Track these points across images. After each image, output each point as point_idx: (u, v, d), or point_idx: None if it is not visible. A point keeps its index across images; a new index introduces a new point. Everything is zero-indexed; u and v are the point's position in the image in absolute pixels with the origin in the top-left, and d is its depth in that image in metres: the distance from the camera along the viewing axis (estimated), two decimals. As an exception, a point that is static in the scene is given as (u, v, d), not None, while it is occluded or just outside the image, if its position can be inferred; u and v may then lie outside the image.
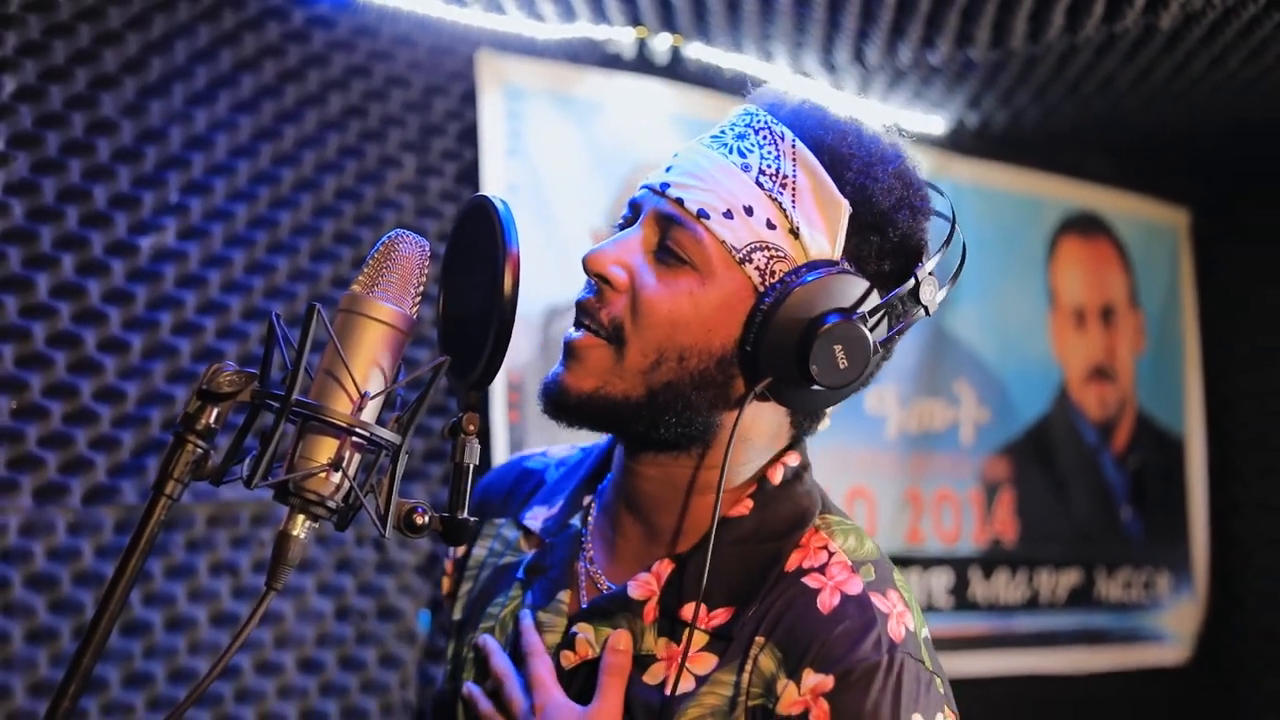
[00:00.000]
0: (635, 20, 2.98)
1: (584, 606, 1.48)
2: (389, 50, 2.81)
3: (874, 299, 1.39)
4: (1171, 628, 4.10)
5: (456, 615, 1.62)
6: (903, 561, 3.53)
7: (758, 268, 1.38)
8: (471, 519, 1.27)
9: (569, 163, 3.02)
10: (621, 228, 1.46)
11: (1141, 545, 4.08)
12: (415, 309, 1.24)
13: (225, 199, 2.61)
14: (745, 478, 1.47)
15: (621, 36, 3.03)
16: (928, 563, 3.63)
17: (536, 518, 1.58)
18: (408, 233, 1.27)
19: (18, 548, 2.35)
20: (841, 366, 1.37)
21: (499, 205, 1.26)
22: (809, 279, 1.37)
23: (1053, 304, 3.92)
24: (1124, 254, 4.08)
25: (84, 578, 2.39)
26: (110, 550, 2.40)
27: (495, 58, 2.93)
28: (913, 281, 1.38)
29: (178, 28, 2.55)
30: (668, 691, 1.39)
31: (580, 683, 1.44)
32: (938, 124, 3.61)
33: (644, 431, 1.42)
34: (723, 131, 1.42)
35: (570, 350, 1.42)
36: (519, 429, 2.85)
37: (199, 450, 1.19)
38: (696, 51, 3.11)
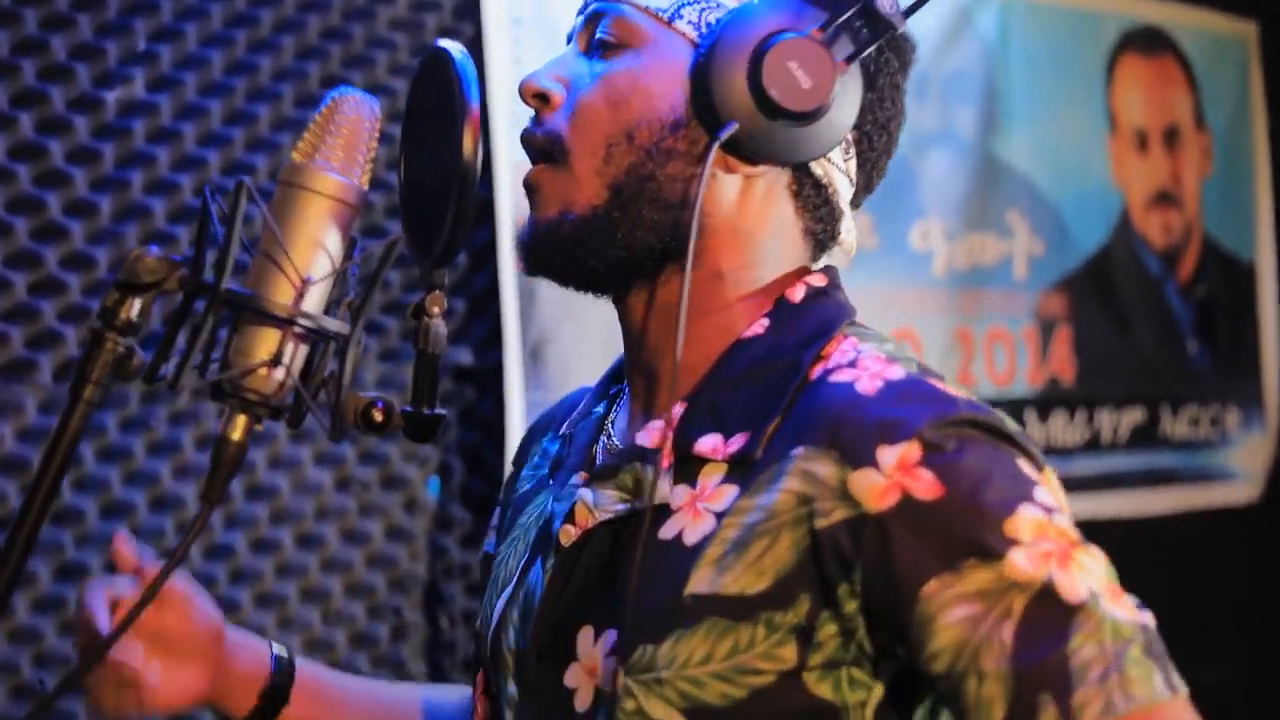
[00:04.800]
0: None
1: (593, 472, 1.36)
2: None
3: (822, 17, 1.30)
4: (1241, 465, 4.00)
5: (490, 547, 1.54)
6: None
7: (690, 22, 1.33)
8: (441, 412, 1.18)
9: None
10: None
11: (1209, 379, 3.97)
12: (365, 179, 1.16)
13: (198, 44, 2.44)
14: (755, 287, 1.34)
15: None
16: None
17: (574, 423, 1.48)
18: (353, 91, 1.18)
19: (-16, 430, 2.22)
20: (805, 85, 1.28)
21: (456, 57, 1.18)
22: (745, 10, 1.30)
23: (1112, 127, 3.78)
24: (1189, 71, 3.93)
25: (57, 459, 2.26)
26: (87, 431, 2.25)
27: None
28: None
29: None
30: (686, 541, 1.25)
31: (589, 555, 1.32)
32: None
33: (626, 240, 1.31)
34: None
35: (527, 192, 1.35)
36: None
37: (121, 348, 1.12)
38: None
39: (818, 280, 1.36)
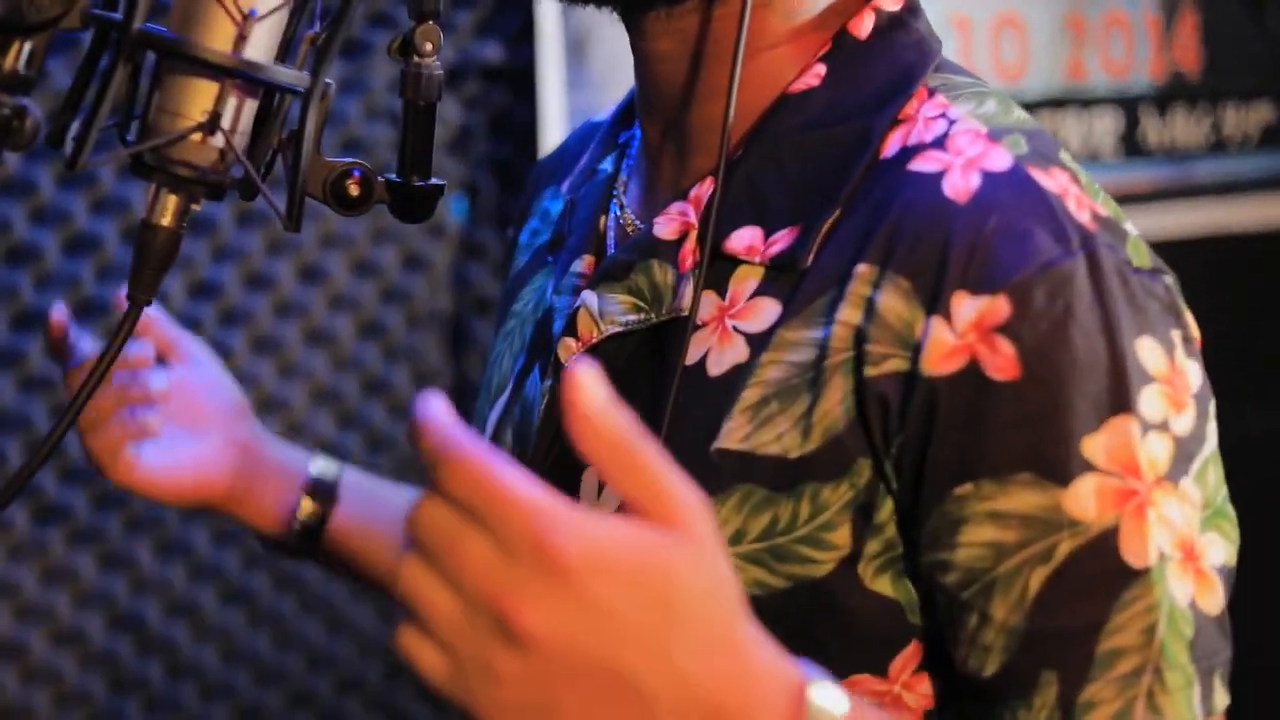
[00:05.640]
0: None
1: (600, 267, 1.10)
2: None
3: None
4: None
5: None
6: (1059, 103, 3.11)
7: None
8: (438, 182, 0.97)
9: None
10: None
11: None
12: None
13: None
14: (806, 16, 1.06)
15: None
16: (1090, 102, 3.21)
17: (576, 184, 1.22)
18: None
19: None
20: None
21: None
22: None
23: None
24: None
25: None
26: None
27: None
28: None
29: None
30: (711, 370, 1.01)
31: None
32: None
33: None
34: None
35: None
36: None
37: (6, 110, 0.89)
38: None
39: (889, 3, 1.06)
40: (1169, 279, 0.99)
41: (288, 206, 0.92)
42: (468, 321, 2.30)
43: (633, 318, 1.05)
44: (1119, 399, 0.92)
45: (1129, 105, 3.25)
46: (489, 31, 2.29)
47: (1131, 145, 3.29)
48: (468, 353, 2.31)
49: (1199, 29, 3.35)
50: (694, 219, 1.04)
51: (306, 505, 1.34)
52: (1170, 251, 3.36)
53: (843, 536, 0.96)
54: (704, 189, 1.05)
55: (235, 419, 1.34)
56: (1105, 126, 3.27)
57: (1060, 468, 0.91)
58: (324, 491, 1.34)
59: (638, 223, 1.11)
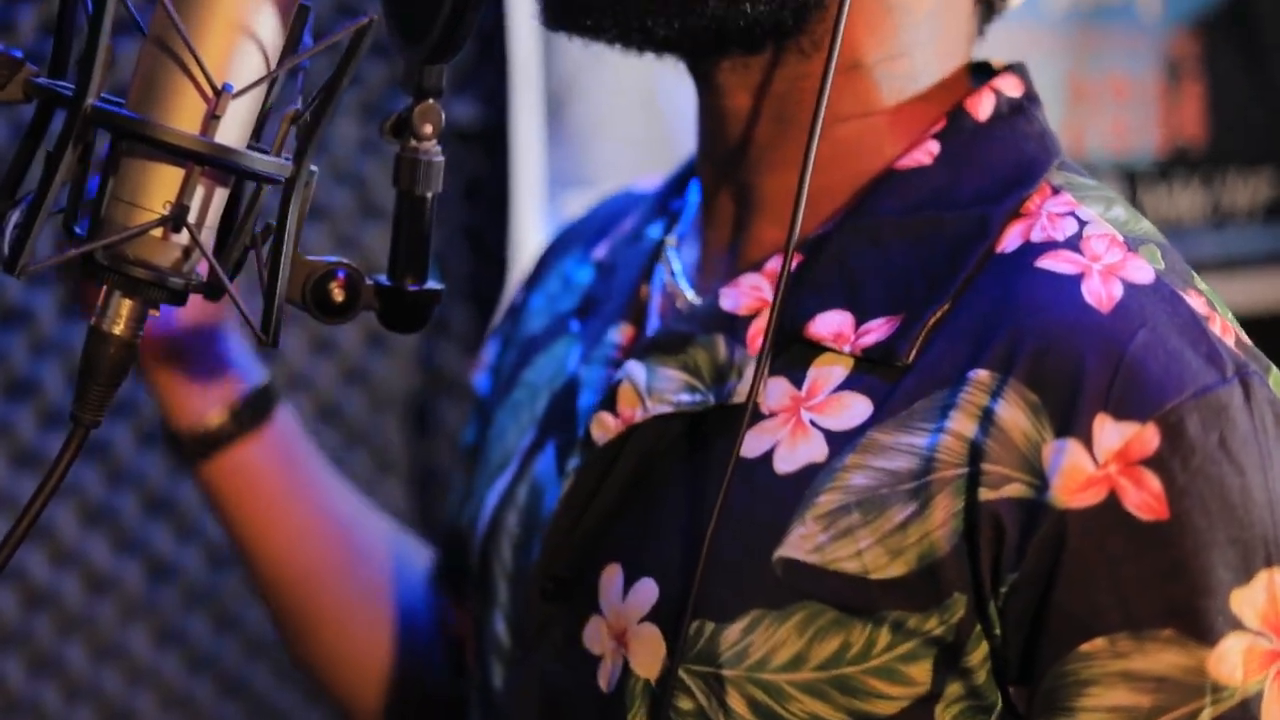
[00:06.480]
0: None
1: (648, 335, 1.04)
2: None
3: None
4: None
5: (484, 389, 1.24)
6: None
7: None
8: (435, 287, 0.90)
9: None
10: None
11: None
12: None
13: None
14: (914, 89, 1.00)
15: None
16: (1089, 171, 3.14)
17: (610, 241, 1.17)
18: None
19: None
20: None
21: None
22: None
23: None
24: None
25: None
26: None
27: None
28: None
29: None
30: (779, 468, 0.92)
31: (630, 458, 0.98)
32: None
33: (718, 15, 0.94)
34: None
35: None
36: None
37: None
38: None
39: (1010, 87, 1.02)
40: None
41: (264, 317, 0.83)
42: (434, 404, 2.20)
43: (686, 397, 0.97)
44: (1271, 549, 0.86)
45: (1127, 175, 3.18)
46: (461, 89, 2.18)
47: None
48: (433, 438, 2.19)
49: (1205, 95, 3.31)
50: (769, 295, 0.96)
51: (219, 418, 1.21)
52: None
53: (923, 672, 0.89)
54: (779, 262, 0.95)
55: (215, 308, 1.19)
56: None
57: (1207, 624, 0.85)
58: (249, 416, 1.21)
59: (690, 294, 1.04)
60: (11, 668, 1.83)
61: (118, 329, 0.83)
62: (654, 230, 1.12)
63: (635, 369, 1.00)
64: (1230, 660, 0.85)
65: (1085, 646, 0.86)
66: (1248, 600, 0.85)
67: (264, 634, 1.96)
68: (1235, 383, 0.88)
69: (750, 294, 0.98)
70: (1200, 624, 0.85)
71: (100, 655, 1.90)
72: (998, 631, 0.89)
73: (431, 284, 0.91)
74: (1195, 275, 0.95)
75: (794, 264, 0.95)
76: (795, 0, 0.96)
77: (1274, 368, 0.92)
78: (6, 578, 1.83)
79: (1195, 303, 0.91)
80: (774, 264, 0.98)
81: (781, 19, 0.96)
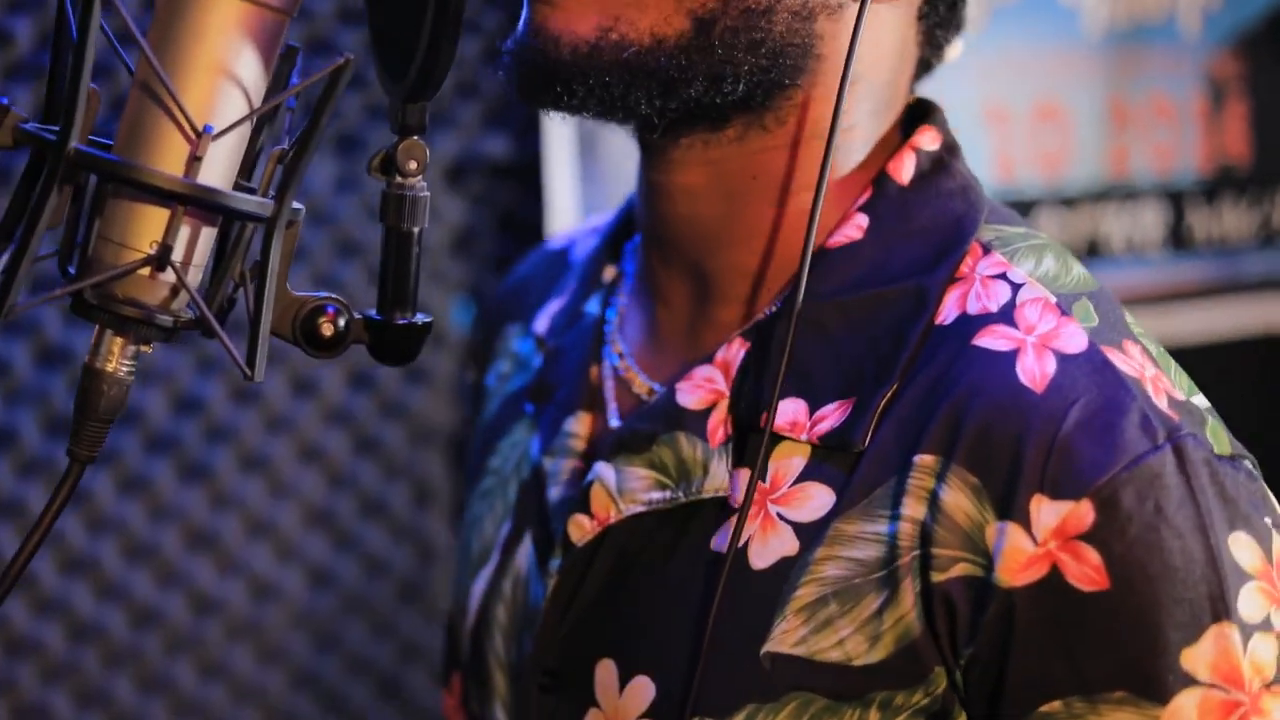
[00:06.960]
0: None
1: (613, 429, 1.04)
2: None
3: None
4: None
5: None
6: (1102, 195, 3.04)
7: None
8: (424, 319, 0.90)
9: None
10: None
11: None
12: None
13: None
14: (855, 163, 1.00)
15: None
16: (1133, 193, 3.13)
17: (548, 316, 1.17)
18: None
19: None
20: None
21: None
22: None
23: None
24: None
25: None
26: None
27: None
28: None
29: None
30: (755, 563, 0.94)
31: (608, 555, 1.00)
32: None
33: (698, 97, 0.94)
34: None
35: None
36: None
37: None
38: None
39: (928, 141, 1.00)
40: (1249, 463, 0.93)
41: (248, 353, 0.83)
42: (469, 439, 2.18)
43: (656, 495, 0.99)
44: (1217, 604, 0.87)
45: (1174, 196, 3.18)
46: (494, 124, 2.19)
47: (1178, 239, 3.21)
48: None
49: (1249, 115, 3.27)
50: (723, 387, 0.98)
51: None
52: (1219, 353, 3.31)
53: None
54: (732, 351, 0.98)
55: None
56: (1149, 220, 3.21)
57: (1158, 684, 0.86)
58: None
59: (644, 377, 1.05)
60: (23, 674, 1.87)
61: (110, 366, 0.85)
62: (591, 306, 1.12)
63: (605, 471, 1.01)
64: (1184, 715, 0.86)
65: (1044, 708, 0.88)
66: (1199, 657, 0.86)
67: (251, 681, 1.98)
68: (1167, 449, 0.88)
69: (705, 386, 0.99)
70: (1151, 684, 0.86)
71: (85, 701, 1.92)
72: (965, 697, 0.91)
73: (420, 316, 0.91)
74: (1130, 321, 0.95)
75: (743, 352, 0.98)
76: (768, 80, 0.95)
77: (1210, 418, 0.92)
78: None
79: (1129, 362, 0.91)
80: (724, 354, 0.99)
81: (752, 97, 0.95)
